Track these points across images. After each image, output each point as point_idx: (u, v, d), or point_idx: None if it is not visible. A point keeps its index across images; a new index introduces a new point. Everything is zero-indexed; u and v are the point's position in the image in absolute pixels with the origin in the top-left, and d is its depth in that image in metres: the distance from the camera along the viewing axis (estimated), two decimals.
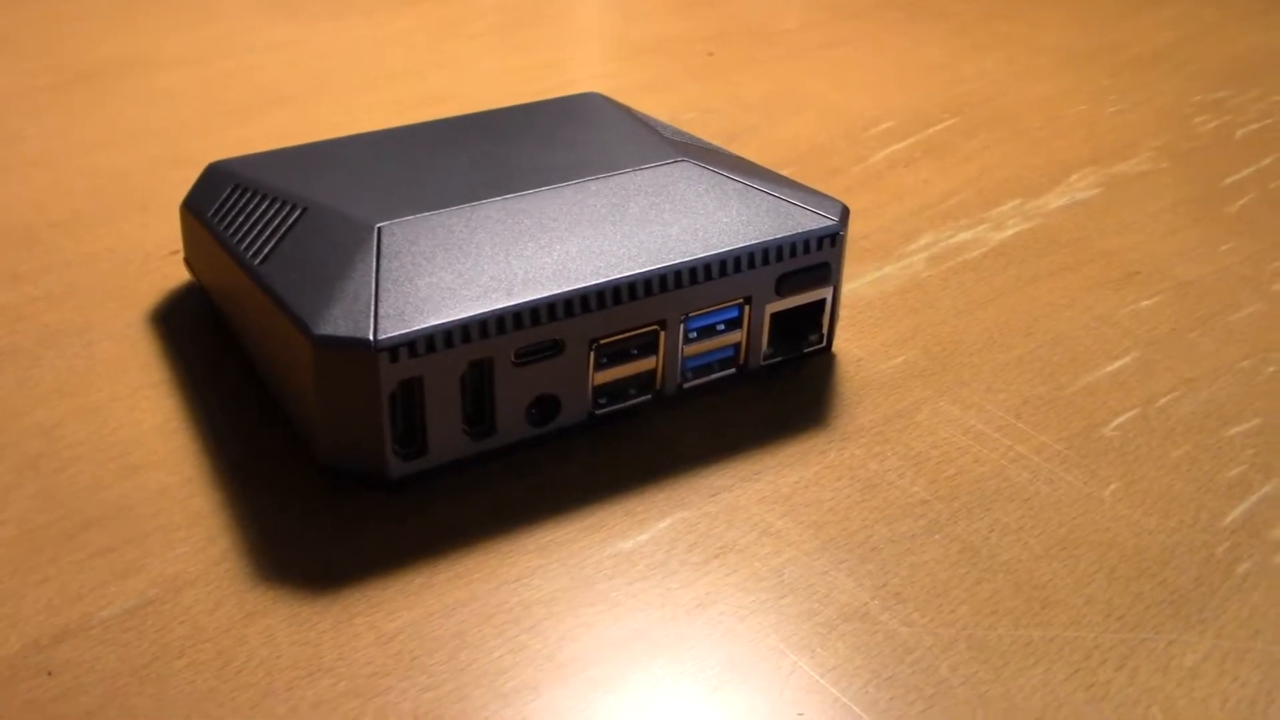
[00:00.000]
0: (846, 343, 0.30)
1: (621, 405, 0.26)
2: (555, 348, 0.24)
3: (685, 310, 0.25)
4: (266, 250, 0.25)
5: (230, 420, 0.26)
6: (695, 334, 0.26)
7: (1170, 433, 0.27)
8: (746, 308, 0.26)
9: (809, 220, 0.27)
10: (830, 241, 0.27)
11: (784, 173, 0.38)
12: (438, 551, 0.23)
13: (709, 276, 0.25)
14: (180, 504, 0.24)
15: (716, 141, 0.39)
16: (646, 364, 0.25)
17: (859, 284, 0.32)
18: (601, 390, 0.25)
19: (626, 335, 0.25)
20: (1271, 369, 0.29)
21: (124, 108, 0.41)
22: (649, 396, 0.26)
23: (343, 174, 0.28)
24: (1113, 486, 0.25)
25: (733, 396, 0.27)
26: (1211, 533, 0.24)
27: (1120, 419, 0.27)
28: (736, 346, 0.27)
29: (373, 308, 0.23)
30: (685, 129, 0.40)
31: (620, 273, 0.24)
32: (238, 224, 0.27)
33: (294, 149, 0.30)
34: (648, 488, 0.25)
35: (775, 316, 0.27)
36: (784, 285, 0.26)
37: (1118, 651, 0.22)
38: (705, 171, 0.27)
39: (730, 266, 0.25)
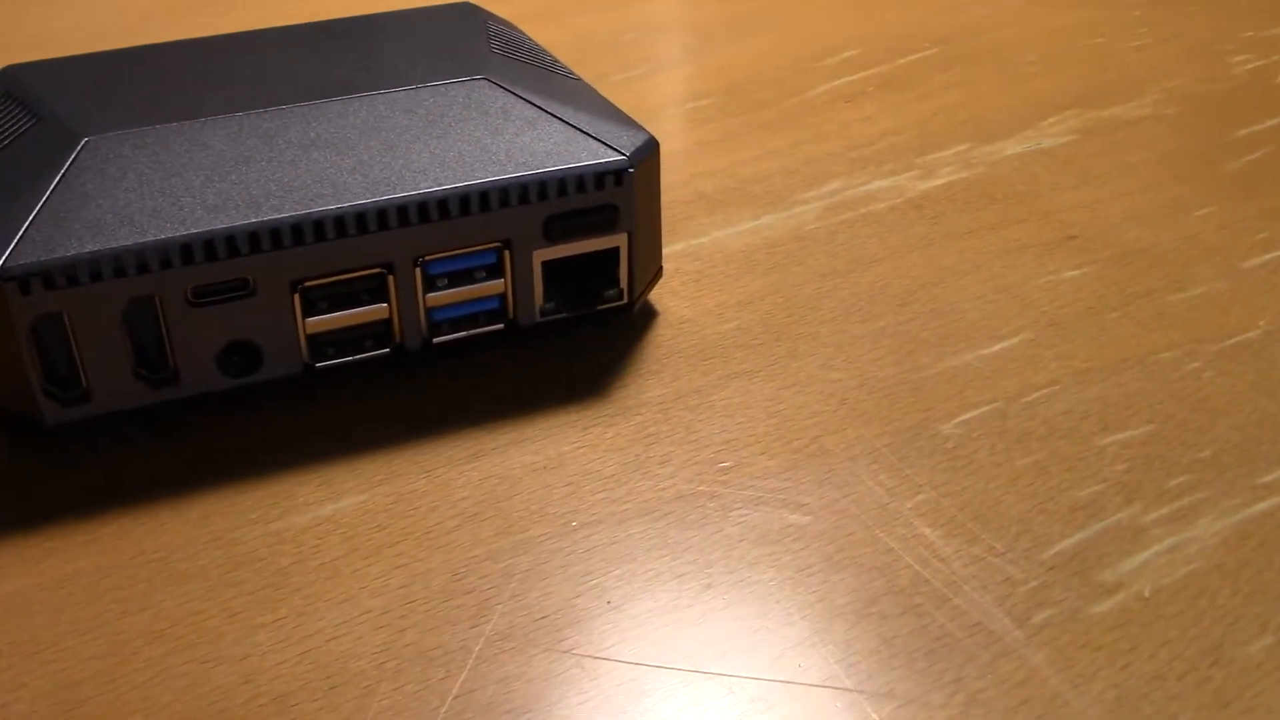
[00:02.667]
0: (678, 300, 0.25)
1: (348, 359, 0.22)
2: (243, 288, 0.21)
3: (418, 252, 0.22)
4: None
5: None
6: (445, 280, 0.22)
7: (1026, 436, 0.22)
8: (506, 253, 0.22)
9: (591, 154, 0.22)
10: (615, 180, 0.22)
11: (702, 104, 0.33)
12: (84, 512, 0.20)
13: (446, 214, 0.21)
14: None
15: (644, 67, 0.35)
16: (377, 312, 0.22)
17: (727, 233, 0.28)
18: (323, 340, 0.22)
19: (341, 278, 0.21)
20: (1194, 365, 0.23)
21: (41, 14, 0.39)
22: (386, 350, 0.22)
23: (113, 84, 0.25)
24: (921, 497, 0.21)
25: (500, 356, 0.24)
26: (1024, 566, 0.19)
27: (969, 414, 0.22)
28: (501, 298, 0.23)
29: (20, 231, 0.20)
30: (615, 52, 0.36)
31: (332, 204, 0.21)
32: None
33: (98, 54, 0.27)
34: (356, 455, 0.21)
35: (552, 265, 0.23)
36: (554, 229, 0.22)
37: (774, 715, 0.17)
38: (500, 92, 0.23)
39: (476, 203, 0.21)
